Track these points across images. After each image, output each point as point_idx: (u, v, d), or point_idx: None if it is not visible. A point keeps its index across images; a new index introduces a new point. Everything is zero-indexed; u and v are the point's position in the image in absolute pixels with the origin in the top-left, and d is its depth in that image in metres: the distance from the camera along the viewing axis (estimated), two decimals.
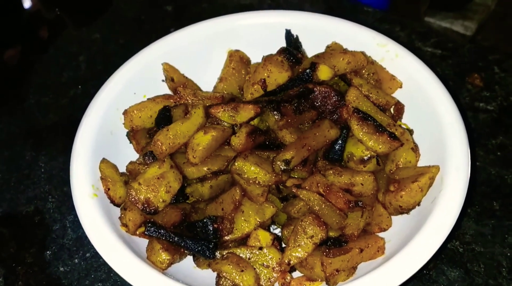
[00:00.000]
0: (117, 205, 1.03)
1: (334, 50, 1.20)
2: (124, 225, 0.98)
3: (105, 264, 1.14)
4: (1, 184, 1.31)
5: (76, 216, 1.21)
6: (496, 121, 1.34)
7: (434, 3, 2.71)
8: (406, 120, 1.17)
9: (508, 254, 1.12)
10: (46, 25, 1.70)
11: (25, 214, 1.25)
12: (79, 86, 1.51)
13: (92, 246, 1.15)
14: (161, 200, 0.98)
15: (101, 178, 1.04)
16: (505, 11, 2.89)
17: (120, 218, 1.01)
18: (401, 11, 2.28)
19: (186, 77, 1.24)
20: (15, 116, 1.46)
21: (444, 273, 1.10)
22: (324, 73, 1.06)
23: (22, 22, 1.75)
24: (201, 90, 1.25)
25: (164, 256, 0.94)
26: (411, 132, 1.13)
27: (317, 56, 1.13)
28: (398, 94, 1.17)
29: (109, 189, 1.02)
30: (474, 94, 1.40)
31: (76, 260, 1.16)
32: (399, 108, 1.16)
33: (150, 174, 0.99)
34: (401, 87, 1.16)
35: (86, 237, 1.17)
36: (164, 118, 1.10)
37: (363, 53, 1.16)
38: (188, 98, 1.14)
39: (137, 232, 1.00)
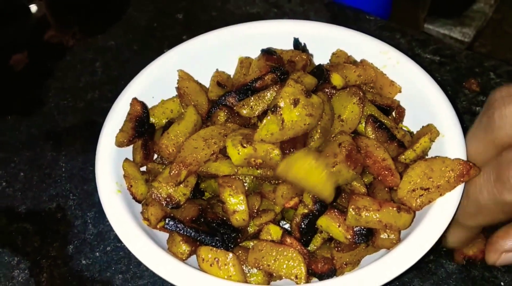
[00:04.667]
0: (139, 201, 1.09)
1: (339, 57, 1.28)
2: (146, 219, 1.04)
3: (125, 257, 1.21)
4: (24, 182, 1.37)
5: (96, 212, 1.29)
6: None
7: (433, 10, 2.78)
8: (407, 122, 1.24)
9: None
10: (71, 34, 1.77)
11: (47, 211, 1.31)
12: (96, 90, 1.58)
13: (112, 240, 1.24)
14: (181, 193, 1.05)
15: (124, 176, 1.10)
16: (502, 18, 2.97)
17: (142, 212, 1.07)
18: (401, 19, 2.35)
19: (200, 83, 1.31)
20: (35, 119, 1.53)
21: (443, 266, 1.16)
22: (336, 80, 1.14)
23: (28, 27, 1.81)
24: None
25: (184, 248, 1.00)
26: (411, 134, 1.19)
27: (331, 65, 1.22)
28: (399, 99, 1.24)
29: (131, 186, 1.08)
30: (471, 98, 1.47)
31: (97, 253, 1.22)
32: (400, 111, 1.23)
33: (169, 172, 1.06)
34: (400, 91, 1.23)
35: (106, 231, 1.26)
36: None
37: (373, 67, 1.24)
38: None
39: (158, 226, 1.06)
